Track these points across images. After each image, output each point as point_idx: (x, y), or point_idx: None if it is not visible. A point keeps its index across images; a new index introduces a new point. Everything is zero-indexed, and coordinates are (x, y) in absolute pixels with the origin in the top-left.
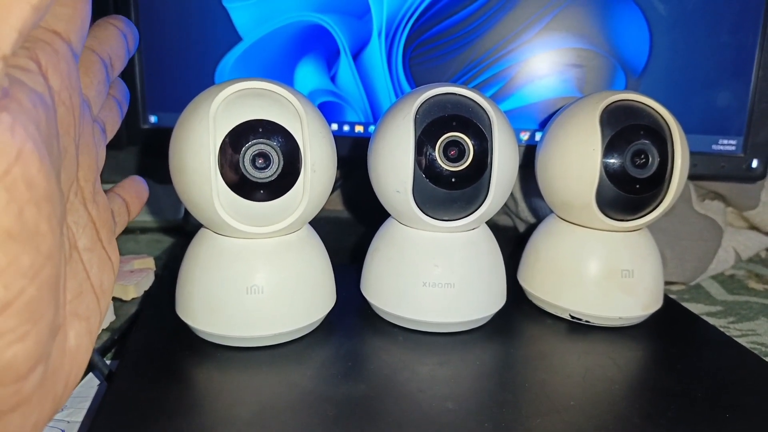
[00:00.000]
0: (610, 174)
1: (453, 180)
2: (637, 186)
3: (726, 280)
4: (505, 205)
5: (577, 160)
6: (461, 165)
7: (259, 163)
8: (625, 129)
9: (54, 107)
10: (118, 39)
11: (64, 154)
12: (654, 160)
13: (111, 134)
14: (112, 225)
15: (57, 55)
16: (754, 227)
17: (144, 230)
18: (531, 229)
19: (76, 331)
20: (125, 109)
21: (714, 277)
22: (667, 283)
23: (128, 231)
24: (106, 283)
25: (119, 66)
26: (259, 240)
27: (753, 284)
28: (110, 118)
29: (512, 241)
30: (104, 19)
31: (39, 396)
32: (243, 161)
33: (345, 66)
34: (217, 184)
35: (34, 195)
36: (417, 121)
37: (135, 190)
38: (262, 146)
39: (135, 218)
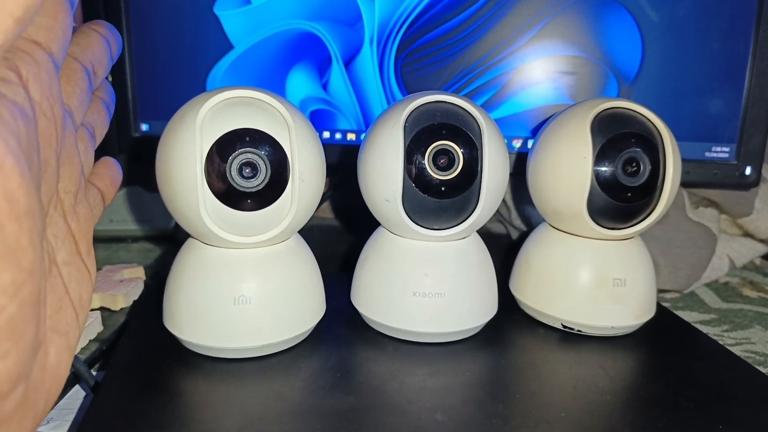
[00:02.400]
0: (601, 182)
1: (443, 189)
2: (629, 194)
3: (720, 288)
4: (498, 212)
5: (568, 168)
6: (451, 174)
7: (246, 173)
8: (616, 137)
9: (35, 119)
10: (100, 45)
11: (45, 167)
12: (645, 168)
13: (100, 137)
14: (91, 236)
15: (38, 65)
16: (748, 234)
17: (135, 239)
18: (524, 237)
19: (56, 347)
20: (112, 111)
21: (708, 285)
22: (660, 290)
23: (119, 240)
24: (85, 296)
25: (102, 72)
26: (246, 250)
27: (747, 292)
28: (98, 122)
29: (505, 249)
30: (86, 25)
31: (20, 414)
32: (230, 170)
33: (337, 74)
34: (204, 194)
35: (15, 210)
36: (406, 129)
37: (110, 176)
38: (249, 155)
39: (109, 203)
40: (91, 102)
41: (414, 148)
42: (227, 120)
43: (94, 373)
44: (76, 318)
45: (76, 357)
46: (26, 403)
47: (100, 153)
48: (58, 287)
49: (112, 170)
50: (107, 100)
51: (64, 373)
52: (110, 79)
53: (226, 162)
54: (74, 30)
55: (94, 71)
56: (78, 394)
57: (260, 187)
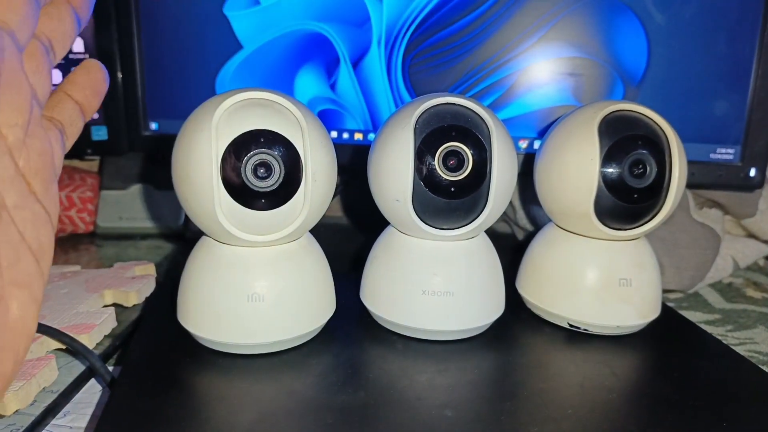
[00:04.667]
0: (608, 184)
1: (452, 189)
2: (635, 195)
3: (724, 289)
4: (504, 213)
5: (576, 169)
6: (460, 174)
7: (260, 173)
8: (623, 139)
9: None
10: None
11: None
12: (652, 169)
13: (63, 51)
14: (49, 171)
15: None
16: (752, 235)
17: (144, 236)
18: (530, 237)
19: (19, 301)
20: (85, 16)
21: (712, 286)
22: (664, 291)
23: (129, 237)
24: (44, 240)
25: None
26: (259, 248)
27: (751, 292)
28: (59, 32)
29: (511, 249)
30: None
31: None
32: (245, 171)
33: (345, 74)
34: (219, 193)
35: None
36: (416, 130)
37: (91, 84)
38: (263, 156)
39: (92, 117)
40: (48, 9)
41: (424, 149)
42: (242, 121)
43: (109, 368)
44: (37, 266)
45: (91, 352)
46: None
47: (110, 150)
48: (12, 235)
49: (94, 77)
50: (76, 3)
51: (31, 327)
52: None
53: (241, 162)
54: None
55: None
56: (94, 388)
57: (274, 187)
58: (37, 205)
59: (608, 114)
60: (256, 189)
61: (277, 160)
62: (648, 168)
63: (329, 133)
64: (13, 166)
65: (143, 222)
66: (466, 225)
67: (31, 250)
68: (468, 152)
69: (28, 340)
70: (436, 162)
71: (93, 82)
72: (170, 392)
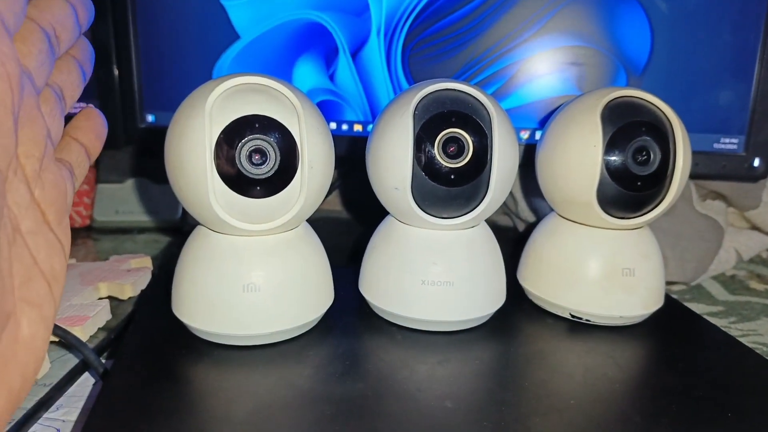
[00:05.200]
0: (611, 171)
1: (452, 177)
2: (639, 183)
3: (727, 281)
4: (505, 204)
5: (578, 157)
6: (460, 162)
7: (255, 159)
8: (626, 126)
9: None
10: (62, 8)
11: None
12: (656, 157)
13: (71, 100)
14: (63, 203)
15: None
16: (755, 227)
17: (141, 230)
18: (531, 228)
19: (29, 319)
20: (89, 71)
21: (715, 278)
22: (667, 283)
23: (125, 231)
24: (57, 267)
25: (67, 37)
26: (255, 237)
27: (754, 284)
28: (68, 82)
29: (512, 241)
30: None
31: None
32: (239, 157)
33: (344, 64)
34: (213, 181)
35: None
36: (416, 117)
37: (93, 129)
38: (258, 142)
39: (95, 159)
40: (59, 63)
41: (423, 135)
42: (236, 107)
43: (103, 361)
44: (49, 289)
45: (85, 344)
46: None
47: (106, 143)
48: (25, 257)
49: (95, 122)
50: (81, 59)
51: (41, 347)
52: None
53: (235, 149)
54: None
55: (56, 34)
56: (87, 381)
57: (269, 174)
58: (51, 234)
59: (611, 100)
60: (251, 176)
61: (273, 147)
62: (652, 155)
63: (328, 124)
64: (28, 194)
65: (140, 216)
66: (467, 213)
67: (43, 275)
68: (468, 139)
69: (37, 361)
70: (435, 149)
71: (95, 126)
72: (164, 384)
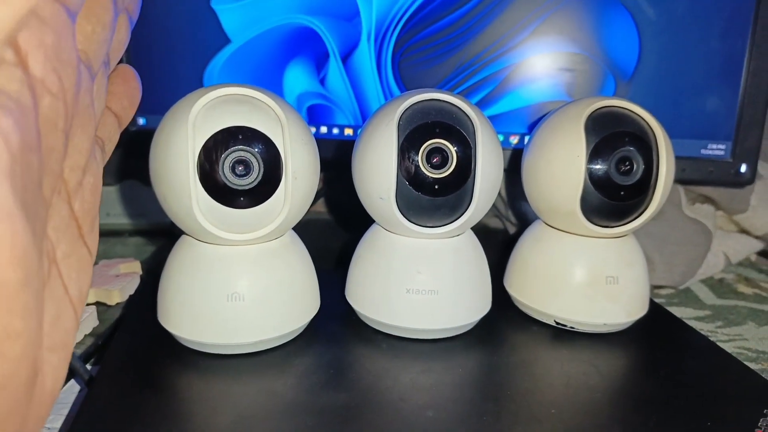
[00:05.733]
0: (594, 181)
1: (436, 187)
2: (622, 193)
3: (715, 284)
4: (495, 207)
5: (562, 166)
6: (444, 172)
7: (239, 170)
8: (609, 136)
9: (35, 107)
10: None
11: (48, 156)
12: (639, 167)
13: (116, 60)
14: (98, 206)
15: (42, 25)
16: (744, 231)
17: (132, 233)
18: (520, 232)
19: (53, 367)
20: (136, 17)
21: (703, 281)
22: (655, 286)
23: (116, 234)
24: (85, 287)
25: None
26: (240, 247)
27: (742, 288)
28: (117, 41)
29: (502, 244)
30: None
31: None
32: (222, 168)
33: (334, 69)
34: (197, 192)
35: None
36: (400, 127)
37: (128, 94)
38: (241, 153)
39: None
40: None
41: (408, 146)
42: (220, 118)
43: (89, 367)
44: (74, 318)
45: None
46: None
47: None
48: (57, 290)
49: (130, 85)
50: (132, 7)
51: (60, 387)
52: None
53: (218, 160)
54: None
55: None
56: (73, 388)
57: (253, 185)
58: (84, 248)
59: (595, 110)
60: (234, 187)
61: (256, 158)
62: (635, 165)
63: (318, 128)
64: (69, 212)
65: (131, 218)
66: (451, 223)
67: (72, 303)
68: (452, 149)
69: (53, 403)
70: (419, 159)
71: (130, 90)
72: (148, 392)
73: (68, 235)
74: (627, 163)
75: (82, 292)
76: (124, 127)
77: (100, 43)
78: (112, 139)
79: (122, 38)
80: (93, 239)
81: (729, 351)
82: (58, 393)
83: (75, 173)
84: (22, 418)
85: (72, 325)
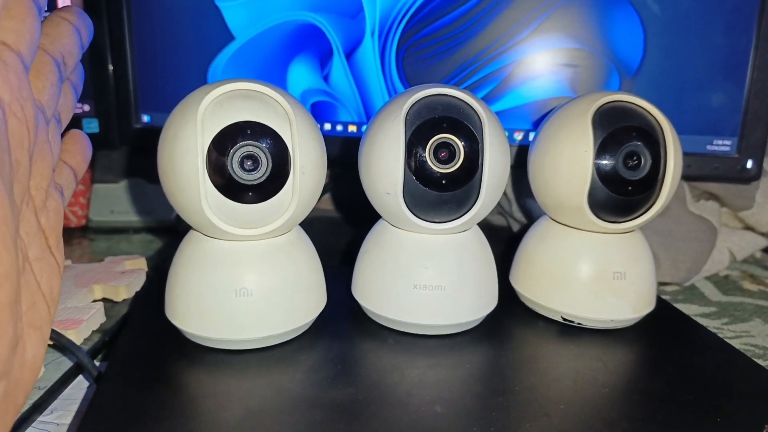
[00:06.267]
0: (602, 176)
1: (443, 182)
2: (629, 188)
3: (720, 281)
4: (499, 204)
5: (569, 161)
6: (452, 167)
7: (247, 165)
8: (617, 130)
9: (5, 121)
10: (70, 35)
11: (17, 167)
12: (646, 161)
13: (66, 122)
14: (61, 227)
15: (6, 67)
16: (749, 228)
17: (137, 230)
18: (525, 229)
19: (32, 342)
20: (80, 90)
21: (708, 278)
22: (661, 283)
23: (121, 231)
24: (55, 290)
25: (72, 63)
26: (248, 242)
27: (747, 285)
28: (65, 106)
29: (506, 241)
30: (55, 13)
31: (3, 409)
32: (231, 163)
33: (338, 65)
34: (205, 187)
35: None
36: (407, 122)
37: (80, 151)
38: (250, 148)
39: (80, 179)
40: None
41: (415, 141)
42: (228, 113)
43: (97, 363)
44: (48, 312)
45: (79, 347)
46: (8, 398)
47: (102, 144)
48: (31, 283)
49: (81, 145)
50: (75, 81)
51: (40, 365)
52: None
53: (227, 155)
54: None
55: (64, 62)
56: (81, 384)
57: (261, 180)
58: (52, 257)
59: (602, 105)
60: (242, 182)
61: (264, 153)
62: (642, 160)
63: (322, 125)
64: (36, 223)
65: (136, 216)
66: (458, 218)
67: (44, 297)
68: (459, 144)
69: (35, 379)
70: (426, 154)
71: (82, 149)
72: (156, 388)
73: (38, 241)
74: (635, 158)
75: (54, 292)
76: (80, 179)
77: (50, 96)
78: (69, 186)
79: (69, 103)
80: (59, 254)
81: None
82: (38, 371)
83: (39, 192)
84: (11, 375)
85: (46, 316)
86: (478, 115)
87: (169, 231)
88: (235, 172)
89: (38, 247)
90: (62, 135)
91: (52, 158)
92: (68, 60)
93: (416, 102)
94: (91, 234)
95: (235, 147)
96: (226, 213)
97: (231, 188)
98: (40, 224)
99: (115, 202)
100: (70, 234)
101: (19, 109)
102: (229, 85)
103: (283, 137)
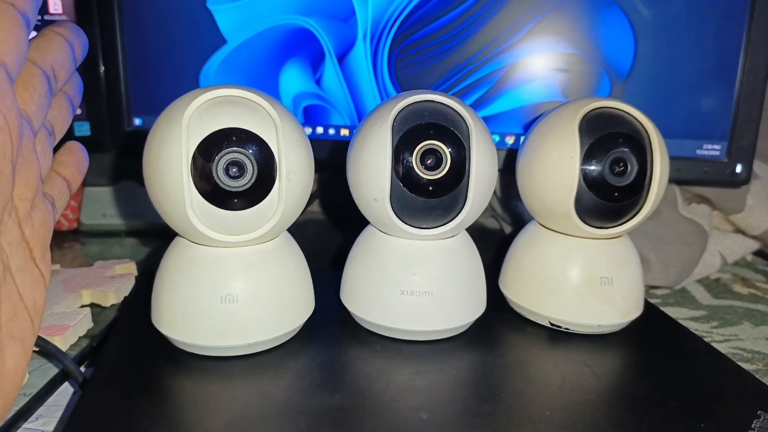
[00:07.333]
0: (588, 182)
1: (430, 188)
2: (616, 194)
3: (711, 284)
4: (491, 207)
5: (556, 167)
6: (438, 173)
7: (232, 172)
8: (603, 137)
9: None
10: (61, 48)
11: None
12: (633, 168)
13: (60, 134)
14: (48, 239)
15: None
16: (740, 231)
17: (129, 233)
18: (515, 233)
19: (13, 353)
20: (77, 104)
21: (699, 281)
22: (651, 286)
23: (113, 234)
24: (39, 302)
25: (64, 76)
26: (234, 248)
27: (738, 288)
28: (59, 118)
29: (498, 244)
30: (49, 28)
31: None
32: (216, 170)
33: (330, 69)
34: (191, 193)
35: None
36: (394, 129)
37: (75, 163)
38: (235, 155)
39: (75, 191)
40: (53, 100)
41: (402, 147)
42: (214, 119)
43: (83, 369)
44: (31, 324)
45: (64, 354)
46: None
47: (94, 147)
48: (13, 294)
49: (77, 156)
50: (72, 94)
51: (21, 377)
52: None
53: (212, 162)
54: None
55: (54, 75)
56: (67, 390)
57: (247, 187)
58: (36, 269)
59: (589, 111)
60: (228, 189)
61: (250, 159)
62: (629, 166)
63: (314, 129)
64: (20, 234)
65: (127, 219)
66: (445, 224)
67: (27, 309)
68: (446, 150)
69: (16, 391)
70: (413, 160)
71: (77, 161)
72: (141, 395)
73: (21, 252)
74: (621, 164)
75: (37, 303)
76: (74, 191)
77: (38, 107)
78: (62, 197)
79: (64, 116)
80: (45, 266)
81: (724, 351)
82: (20, 383)
83: (24, 203)
84: None
85: (29, 327)
86: (465, 121)
87: (161, 235)
88: (220, 179)
89: (21, 258)
90: (59, 146)
91: (40, 168)
92: (59, 73)
93: (404, 108)
94: (83, 237)
95: (220, 153)
96: (212, 220)
97: (216, 195)
98: (23, 235)
99: (106, 206)
100: (61, 237)
101: (1, 118)
102: (215, 91)
103: (269, 144)
